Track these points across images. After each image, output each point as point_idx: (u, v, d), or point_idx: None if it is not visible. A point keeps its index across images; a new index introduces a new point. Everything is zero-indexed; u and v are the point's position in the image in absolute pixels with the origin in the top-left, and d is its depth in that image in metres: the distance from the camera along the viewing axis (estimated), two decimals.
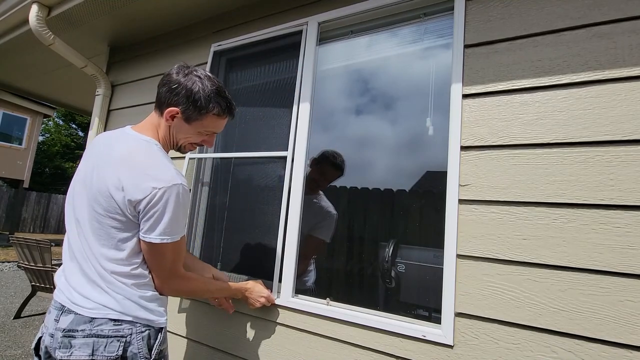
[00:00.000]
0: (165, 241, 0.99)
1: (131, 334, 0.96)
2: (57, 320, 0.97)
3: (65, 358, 0.92)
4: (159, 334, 1.03)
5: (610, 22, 1.02)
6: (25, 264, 4.09)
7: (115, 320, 0.96)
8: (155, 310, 1.03)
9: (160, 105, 1.09)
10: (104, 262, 0.98)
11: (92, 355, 0.91)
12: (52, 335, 0.97)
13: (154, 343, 1.01)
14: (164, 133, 1.11)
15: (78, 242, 1.02)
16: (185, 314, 1.65)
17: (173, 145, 1.15)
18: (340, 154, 1.72)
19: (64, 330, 0.94)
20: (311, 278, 1.66)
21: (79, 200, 1.04)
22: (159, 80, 1.10)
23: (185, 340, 1.62)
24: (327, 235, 1.68)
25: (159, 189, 0.95)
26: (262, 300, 1.34)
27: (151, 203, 0.95)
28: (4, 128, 11.04)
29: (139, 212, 0.97)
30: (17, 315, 4.14)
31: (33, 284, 4.15)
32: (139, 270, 1.01)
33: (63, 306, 0.98)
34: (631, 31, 0.99)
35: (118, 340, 0.94)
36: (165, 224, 0.97)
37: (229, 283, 1.35)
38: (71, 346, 0.92)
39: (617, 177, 0.95)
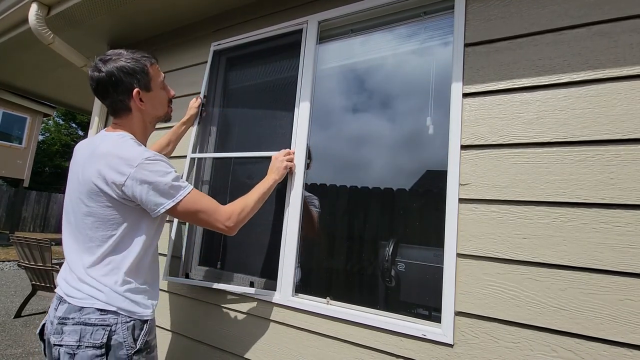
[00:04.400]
0: (177, 200, 1.05)
1: (116, 324, 1.02)
2: (56, 309, 1.06)
3: (57, 343, 0.99)
4: (145, 325, 1.08)
5: (611, 21, 1.01)
6: (26, 263, 4.09)
7: (101, 310, 1.02)
8: (142, 302, 1.08)
9: (121, 106, 1.14)
10: (89, 257, 1.05)
11: (79, 341, 0.98)
12: (51, 323, 1.05)
13: (140, 334, 1.06)
14: (139, 124, 1.18)
15: (70, 240, 1.10)
16: (185, 313, 1.65)
17: (156, 121, 1.24)
18: None
19: (59, 318, 1.02)
20: (296, 276, 1.63)
21: (72, 204, 1.11)
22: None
23: (185, 338, 1.62)
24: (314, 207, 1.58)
25: (134, 167, 1.01)
26: (286, 163, 1.41)
27: (133, 182, 1.01)
28: (4, 127, 11.02)
29: (129, 197, 1.03)
30: (18, 315, 4.15)
31: (33, 283, 4.16)
32: (128, 260, 1.07)
33: (61, 297, 1.06)
34: (632, 30, 0.99)
35: (103, 329, 1.00)
36: (161, 190, 1.04)
37: (262, 182, 1.33)
38: (62, 332, 1.00)
39: (618, 176, 0.95)
